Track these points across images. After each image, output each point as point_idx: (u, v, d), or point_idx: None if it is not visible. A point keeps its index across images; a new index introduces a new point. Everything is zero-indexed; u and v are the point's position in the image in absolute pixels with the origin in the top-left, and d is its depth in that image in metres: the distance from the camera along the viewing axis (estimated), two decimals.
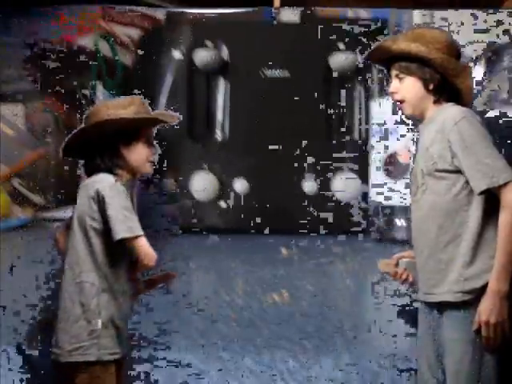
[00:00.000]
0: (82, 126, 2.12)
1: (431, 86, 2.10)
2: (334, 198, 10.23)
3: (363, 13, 10.49)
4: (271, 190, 9.35)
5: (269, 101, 9.86)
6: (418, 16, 9.58)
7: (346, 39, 10.19)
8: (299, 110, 10.02)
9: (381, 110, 9.38)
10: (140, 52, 10.65)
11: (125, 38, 11.22)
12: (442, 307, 2.06)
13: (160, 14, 11.16)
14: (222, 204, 9.65)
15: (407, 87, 2.09)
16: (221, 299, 4.91)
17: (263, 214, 9.43)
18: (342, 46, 10.25)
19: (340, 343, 3.99)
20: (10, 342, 3.77)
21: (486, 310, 1.98)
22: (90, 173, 2.14)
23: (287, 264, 6.37)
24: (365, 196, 9.83)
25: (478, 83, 7.08)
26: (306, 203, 9.99)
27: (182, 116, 2.22)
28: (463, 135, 2.02)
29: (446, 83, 2.10)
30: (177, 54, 10.30)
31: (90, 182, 2.08)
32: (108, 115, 2.09)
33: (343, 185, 10.16)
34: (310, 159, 9.97)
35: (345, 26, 10.04)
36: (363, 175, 9.86)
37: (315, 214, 9.96)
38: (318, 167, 10.01)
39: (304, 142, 9.74)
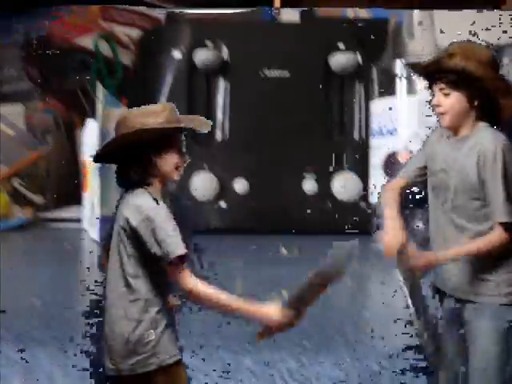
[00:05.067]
0: (114, 136, 2.12)
1: (476, 103, 2.11)
2: (333, 198, 10.25)
3: (363, 13, 10.52)
4: (271, 190, 9.36)
5: (269, 101, 9.87)
6: (417, 16, 9.59)
7: (346, 39, 10.26)
8: (299, 110, 10.03)
9: (381, 110, 9.42)
10: (140, 52, 10.68)
11: (125, 37, 11.24)
12: (472, 303, 2.10)
13: (160, 14, 11.19)
14: (222, 204, 9.67)
15: (452, 103, 2.09)
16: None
17: (263, 213, 9.44)
18: (341, 46, 10.27)
19: (340, 343, 4.00)
20: (10, 342, 3.77)
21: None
22: (122, 183, 2.14)
23: (287, 264, 6.37)
24: (365, 196, 9.85)
25: None
26: (305, 203, 10.01)
27: (210, 121, 2.23)
28: (498, 165, 2.06)
29: (489, 100, 2.11)
30: (177, 54, 10.30)
31: (132, 204, 2.09)
32: (139, 124, 2.08)
33: (343, 185, 10.18)
34: (310, 159, 9.99)
35: (345, 26, 10.15)
36: (363, 175, 9.88)
37: (315, 213, 9.98)
38: (318, 167, 10.03)
39: (304, 142, 9.76)
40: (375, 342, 3.88)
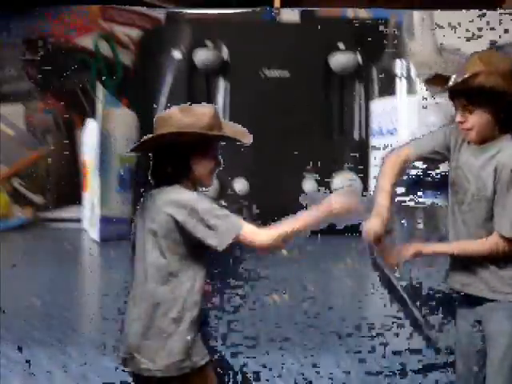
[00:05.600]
0: (155, 133, 2.10)
1: (501, 116, 2.10)
2: None
3: (363, 13, 10.51)
4: (271, 190, 9.36)
5: (269, 101, 9.86)
6: (417, 16, 9.59)
7: (346, 39, 10.26)
8: (299, 110, 10.03)
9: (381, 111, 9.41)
10: (140, 52, 10.67)
11: (125, 37, 11.23)
12: (488, 301, 2.10)
13: (160, 14, 11.18)
14: (222, 204, 9.64)
15: (477, 119, 2.07)
16: (220, 299, 4.92)
17: (263, 213, 9.42)
18: (341, 46, 10.26)
19: (340, 343, 3.99)
20: (10, 342, 3.77)
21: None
22: (156, 179, 2.13)
23: (287, 264, 6.37)
24: (365, 196, 9.80)
25: None
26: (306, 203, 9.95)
27: (252, 136, 2.23)
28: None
29: None
30: (177, 54, 10.30)
31: (166, 196, 2.07)
32: (183, 125, 2.07)
33: (343, 184, 10.15)
34: (310, 159, 9.99)
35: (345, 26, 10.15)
36: (363, 175, 9.87)
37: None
38: (318, 167, 10.03)
39: (304, 142, 9.76)
40: (375, 342, 3.88)
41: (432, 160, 2.21)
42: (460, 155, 2.12)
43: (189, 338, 1.98)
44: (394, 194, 2.19)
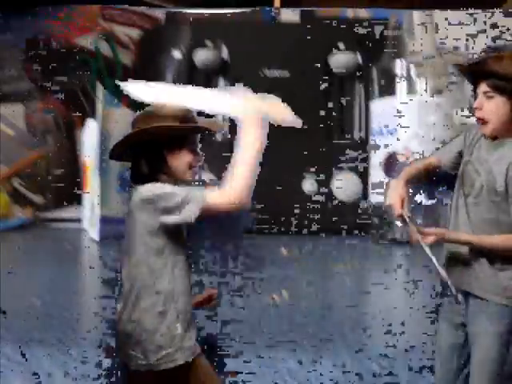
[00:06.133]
0: (129, 131, 2.13)
1: None
2: (334, 198, 10.26)
3: (363, 13, 10.52)
4: (271, 190, 9.35)
5: None
6: (417, 16, 9.59)
7: (346, 39, 10.27)
8: (299, 110, 9.97)
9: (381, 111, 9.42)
10: (140, 52, 10.68)
11: (125, 37, 11.24)
12: (476, 301, 2.09)
13: (160, 14, 11.19)
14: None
15: (494, 107, 2.04)
16: (220, 299, 4.92)
17: (263, 213, 9.43)
18: (341, 46, 10.27)
19: (340, 343, 3.99)
20: (10, 342, 3.77)
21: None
22: (135, 178, 2.15)
23: (287, 264, 6.37)
24: (365, 196, 9.85)
25: None
26: (305, 203, 10.01)
27: (225, 124, 2.24)
28: None
29: None
30: (177, 54, 10.31)
31: (140, 191, 2.08)
32: (155, 123, 2.09)
33: (343, 184, 10.19)
34: (310, 159, 10.00)
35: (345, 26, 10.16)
36: (363, 175, 9.88)
37: (315, 213, 9.99)
38: (318, 167, 10.03)
39: (304, 142, 9.76)
40: (375, 342, 3.87)
41: (454, 165, 2.20)
42: (473, 151, 2.11)
43: (178, 329, 1.99)
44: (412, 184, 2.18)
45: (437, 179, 2.34)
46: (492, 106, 2.00)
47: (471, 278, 2.10)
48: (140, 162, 2.13)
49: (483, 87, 2.02)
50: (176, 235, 2.08)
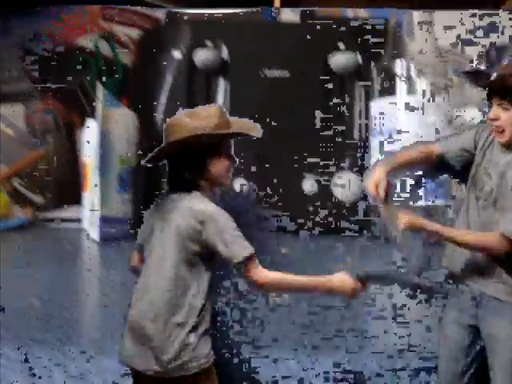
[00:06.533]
0: (168, 140, 2.12)
1: None
2: (334, 198, 10.23)
3: (363, 13, 10.50)
4: (271, 190, 9.33)
5: (269, 101, 9.84)
6: (417, 16, 9.59)
7: (346, 39, 10.26)
8: (299, 110, 10.01)
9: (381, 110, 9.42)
10: (140, 52, 10.66)
11: (125, 37, 11.23)
12: (494, 303, 2.10)
13: (160, 14, 11.17)
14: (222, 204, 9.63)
15: (510, 118, 2.07)
16: (220, 299, 4.91)
17: (263, 213, 9.40)
18: (341, 45, 10.25)
19: (340, 343, 4.00)
20: (10, 342, 3.77)
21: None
22: (174, 184, 2.15)
23: (287, 264, 6.37)
24: (365, 196, 9.80)
25: None
26: (305, 203, 9.99)
27: (260, 127, 2.25)
28: None
29: None
30: (177, 54, 10.29)
31: (190, 205, 2.08)
32: (193, 129, 2.09)
33: (343, 184, 10.16)
34: (310, 159, 9.97)
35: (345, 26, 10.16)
36: (363, 175, 9.82)
37: (315, 213, 9.96)
38: (318, 167, 10.00)
39: (304, 142, 9.74)
40: (375, 342, 3.88)
41: (458, 159, 2.21)
42: (486, 154, 2.12)
43: (191, 340, 2.00)
44: (405, 166, 2.19)
45: (436, 168, 2.35)
46: (508, 117, 2.03)
47: (486, 280, 2.10)
48: (180, 168, 2.12)
49: (498, 99, 2.05)
50: (212, 255, 2.10)
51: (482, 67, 2.31)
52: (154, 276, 2.17)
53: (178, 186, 2.18)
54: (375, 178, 2.15)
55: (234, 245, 2.07)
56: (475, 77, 2.30)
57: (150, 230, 2.22)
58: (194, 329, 2.11)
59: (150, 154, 2.20)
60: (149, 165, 2.30)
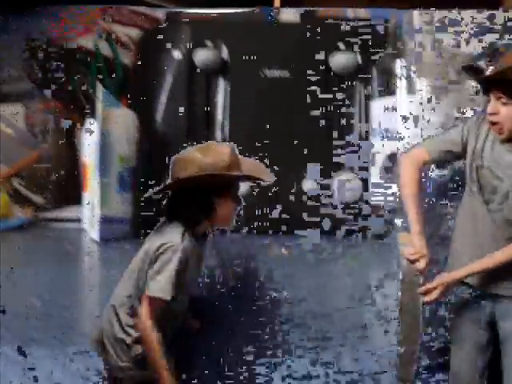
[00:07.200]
0: (178, 175, 2.10)
1: None
2: (334, 198, 10.22)
3: (363, 13, 10.50)
4: (271, 190, 9.33)
5: (269, 101, 9.84)
6: (418, 16, 9.59)
7: (346, 39, 10.26)
8: (299, 110, 10.00)
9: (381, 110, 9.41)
10: (140, 52, 10.66)
11: (125, 37, 11.23)
12: (507, 301, 2.09)
13: (160, 14, 11.17)
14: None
15: (510, 112, 2.04)
16: (220, 299, 4.92)
17: (263, 213, 9.41)
18: (342, 46, 10.25)
19: (340, 343, 4.00)
20: (10, 342, 3.78)
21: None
22: (172, 215, 2.14)
23: (287, 264, 6.38)
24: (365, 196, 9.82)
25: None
26: (305, 203, 9.98)
27: (272, 174, 2.24)
28: None
29: None
30: (177, 54, 10.29)
31: (163, 237, 2.08)
32: (203, 166, 2.08)
33: (343, 184, 10.16)
34: (310, 159, 9.96)
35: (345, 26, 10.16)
36: (363, 175, 9.84)
37: (315, 213, 9.96)
38: (318, 167, 10.00)
39: (304, 142, 9.73)
40: (375, 342, 3.88)
41: (446, 161, 2.21)
42: (485, 154, 2.10)
43: (140, 350, 2.04)
44: (420, 203, 2.19)
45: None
46: (507, 111, 2.01)
47: (498, 280, 2.10)
48: (186, 204, 2.12)
49: (498, 93, 2.04)
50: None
51: (482, 63, 2.29)
52: (121, 286, 2.22)
53: (175, 217, 2.17)
54: (419, 251, 2.12)
55: (156, 281, 2.08)
56: (474, 71, 2.29)
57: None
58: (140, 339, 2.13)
59: (158, 188, 2.20)
60: (154, 196, 2.30)
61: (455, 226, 2.29)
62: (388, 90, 9.07)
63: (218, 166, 2.14)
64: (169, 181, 2.21)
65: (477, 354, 2.27)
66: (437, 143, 2.33)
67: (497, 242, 2.16)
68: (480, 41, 7.98)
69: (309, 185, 9.30)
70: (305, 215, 8.74)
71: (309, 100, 9.13)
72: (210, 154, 2.17)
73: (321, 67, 9.30)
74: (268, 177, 2.27)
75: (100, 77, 9.29)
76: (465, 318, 2.30)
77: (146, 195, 2.30)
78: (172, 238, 2.13)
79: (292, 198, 8.96)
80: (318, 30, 9.20)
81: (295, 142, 9.02)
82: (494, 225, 2.18)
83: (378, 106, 9.19)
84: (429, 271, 2.31)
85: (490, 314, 2.20)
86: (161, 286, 2.14)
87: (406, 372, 2.24)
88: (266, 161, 8.67)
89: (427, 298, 2.17)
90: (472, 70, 2.35)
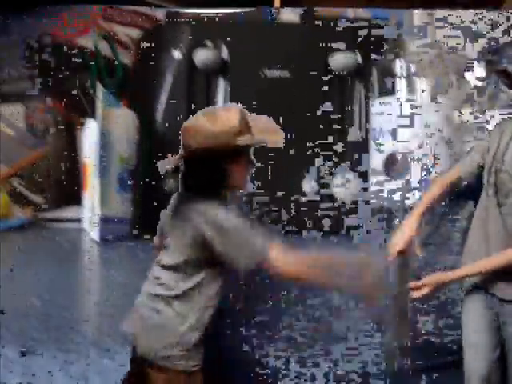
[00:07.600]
0: (187, 144, 2.07)
1: None
2: (334, 198, 10.22)
3: (363, 13, 10.50)
4: (271, 190, 9.33)
5: (269, 101, 9.84)
6: (417, 16, 9.58)
7: (346, 39, 10.25)
8: (299, 110, 10.00)
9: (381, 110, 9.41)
10: (140, 52, 10.65)
11: (125, 38, 11.22)
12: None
13: (160, 14, 11.17)
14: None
15: None
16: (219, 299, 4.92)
17: (263, 213, 9.41)
18: (342, 45, 10.24)
19: (339, 343, 3.99)
20: (10, 342, 3.77)
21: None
22: (190, 187, 2.11)
23: None
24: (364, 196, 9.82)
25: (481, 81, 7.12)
26: (305, 203, 9.99)
27: (282, 134, 2.21)
28: None
29: None
30: (177, 54, 10.29)
31: (207, 214, 2.04)
32: (211, 136, 2.05)
33: (343, 184, 10.16)
34: (310, 159, 9.97)
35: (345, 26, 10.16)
36: (363, 175, 9.84)
37: (315, 213, 9.96)
38: (318, 167, 10.00)
39: (304, 142, 9.74)
40: (375, 342, 3.88)
41: (477, 176, 2.21)
42: (506, 158, 2.10)
43: (192, 339, 2.01)
44: (432, 211, 2.18)
45: (457, 193, 2.34)
46: None
47: (503, 284, 2.10)
48: (199, 172, 2.09)
49: None
50: (215, 261, 2.08)
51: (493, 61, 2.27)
52: (163, 272, 2.17)
53: (194, 188, 2.15)
54: (402, 237, 2.12)
55: (244, 251, 2.03)
56: (507, 76, 2.28)
57: (163, 226, 2.22)
58: (195, 328, 2.10)
59: (167, 163, 2.16)
60: (167, 170, 2.26)
61: (470, 227, 2.29)
62: (388, 89, 9.07)
63: (227, 134, 2.11)
64: (180, 150, 2.19)
65: (493, 353, 2.26)
66: (466, 160, 2.34)
67: (506, 245, 2.15)
68: (480, 41, 7.99)
69: (309, 185, 9.31)
70: (305, 215, 8.75)
71: (309, 100, 9.13)
72: (217, 122, 2.13)
73: (321, 67, 9.31)
74: (278, 138, 2.25)
75: (100, 77, 9.30)
76: (478, 316, 2.30)
77: (162, 172, 2.26)
78: (217, 211, 2.10)
79: (292, 198, 8.97)
80: (318, 30, 9.21)
81: (295, 141, 9.03)
82: (505, 228, 2.18)
83: (377, 105, 9.19)
84: (424, 271, 2.31)
85: (497, 313, 2.20)
86: (257, 247, 2.11)
87: (402, 330, 2.26)
88: (265, 161, 8.68)
89: (416, 294, 2.17)
90: (505, 73, 2.35)
